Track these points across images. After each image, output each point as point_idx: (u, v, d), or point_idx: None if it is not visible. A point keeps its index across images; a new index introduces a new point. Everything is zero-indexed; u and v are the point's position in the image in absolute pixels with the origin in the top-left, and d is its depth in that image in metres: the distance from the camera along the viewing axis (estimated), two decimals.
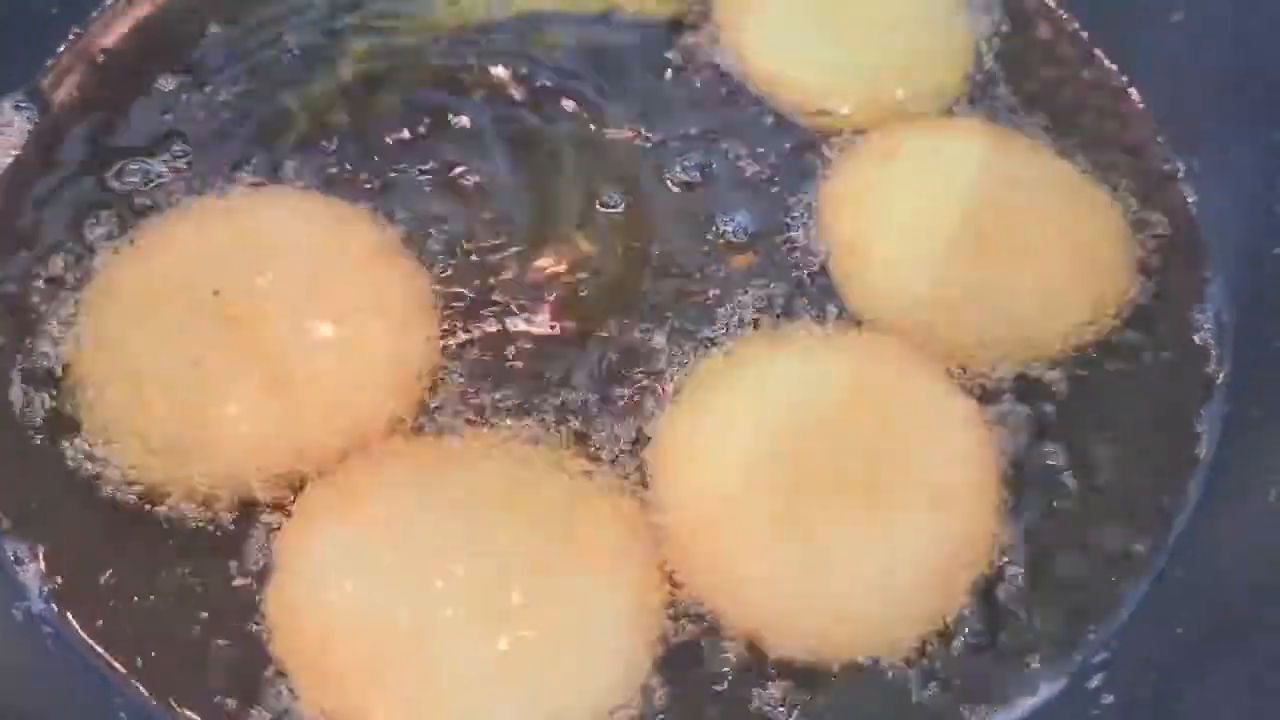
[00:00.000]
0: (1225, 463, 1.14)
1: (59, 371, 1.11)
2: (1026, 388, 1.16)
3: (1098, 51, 1.40)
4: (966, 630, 1.04)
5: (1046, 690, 1.04)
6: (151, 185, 1.23)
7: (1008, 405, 1.15)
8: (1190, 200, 1.30)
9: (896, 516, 1.04)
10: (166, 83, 1.31)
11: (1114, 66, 1.39)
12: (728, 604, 1.03)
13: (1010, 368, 1.17)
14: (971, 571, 1.06)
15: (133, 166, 1.24)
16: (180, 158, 1.25)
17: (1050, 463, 1.13)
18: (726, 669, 1.02)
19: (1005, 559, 1.07)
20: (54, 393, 1.10)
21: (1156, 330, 1.21)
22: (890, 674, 1.02)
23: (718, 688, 1.01)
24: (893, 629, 1.03)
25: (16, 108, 1.28)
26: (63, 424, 1.09)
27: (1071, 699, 1.02)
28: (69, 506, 1.06)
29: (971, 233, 1.19)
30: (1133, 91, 1.37)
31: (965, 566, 1.06)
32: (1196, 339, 1.22)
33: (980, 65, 1.37)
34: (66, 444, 1.08)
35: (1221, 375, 1.20)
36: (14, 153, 1.26)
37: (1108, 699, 1.00)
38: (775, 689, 1.01)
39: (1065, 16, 1.42)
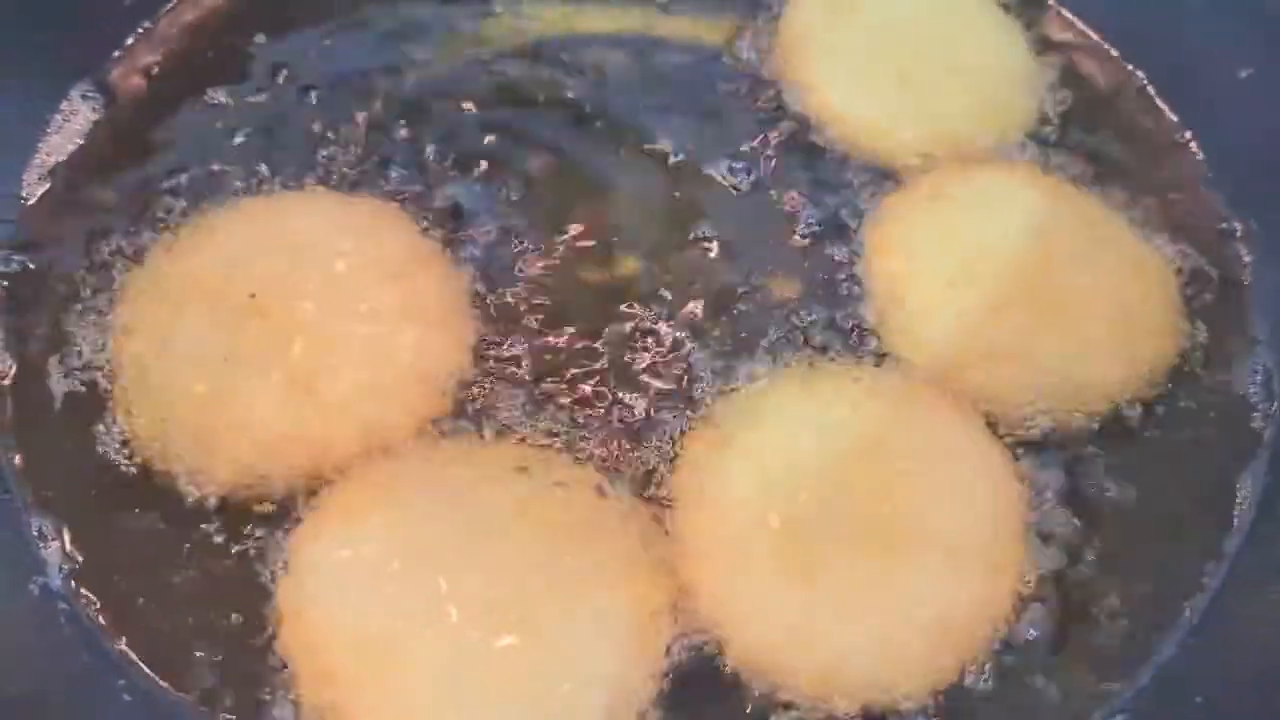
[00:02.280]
0: (1263, 527, 1.11)
1: (98, 358, 1.13)
2: (1062, 442, 1.14)
3: (1161, 105, 1.37)
4: (980, 686, 1.02)
5: None
6: (204, 184, 1.25)
7: (1041, 459, 1.13)
8: (1245, 260, 1.27)
9: (915, 567, 1.02)
10: (227, 83, 1.34)
11: (1177, 119, 1.36)
12: (734, 639, 1.02)
13: (1047, 421, 1.14)
14: (988, 628, 1.04)
15: (188, 163, 1.27)
16: (233, 158, 1.27)
17: (1080, 520, 1.11)
18: (727, 705, 1.00)
19: (1025, 617, 1.05)
20: (91, 378, 1.12)
21: (1200, 389, 1.19)
22: None
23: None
24: (902, 681, 1.01)
25: (84, 97, 1.31)
26: (98, 409, 1.11)
27: None
28: (97, 489, 1.08)
29: (1016, 281, 1.17)
30: (1194, 147, 1.35)
31: (982, 622, 1.03)
32: (1242, 399, 1.19)
33: (1042, 114, 1.35)
34: (100, 428, 1.10)
35: (1266, 436, 1.17)
36: (78, 141, 1.29)
37: None
38: None
39: (1131, 68, 1.40)
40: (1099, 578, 1.08)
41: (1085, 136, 1.34)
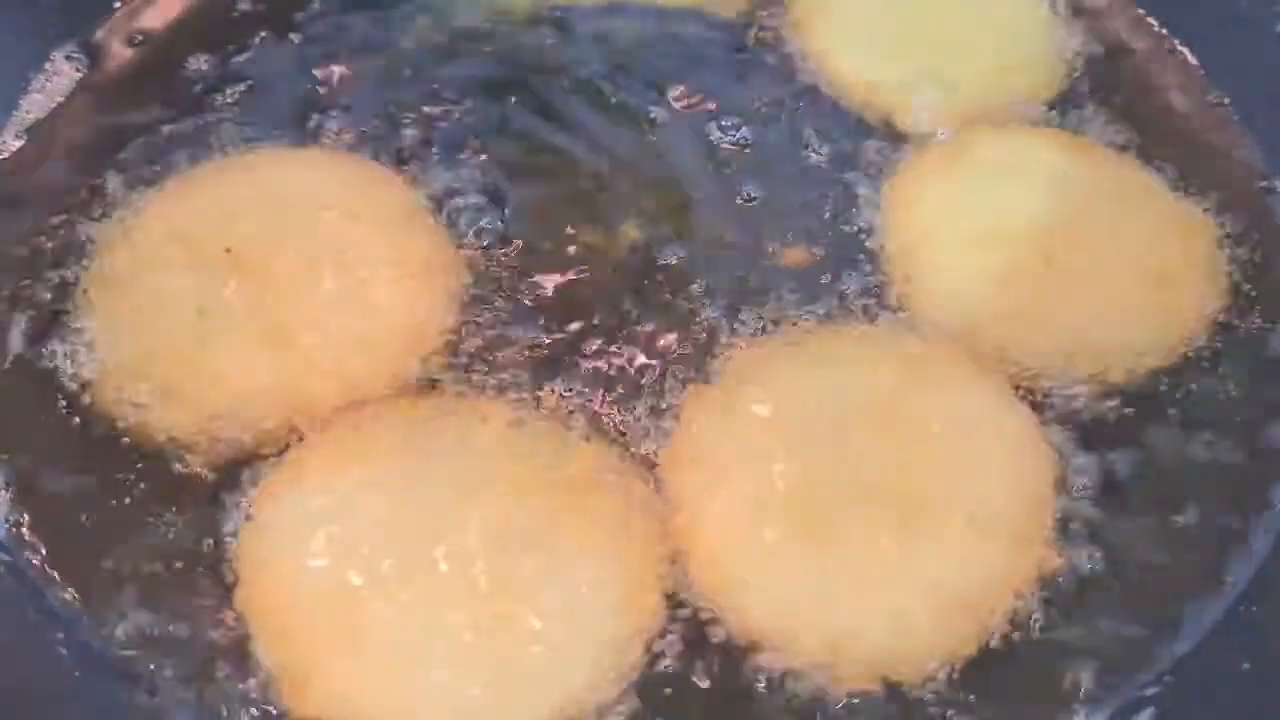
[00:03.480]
0: None
1: (61, 311, 1.07)
2: (1095, 405, 1.06)
3: (1194, 63, 1.30)
4: (997, 658, 0.93)
5: None
6: (186, 144, 1.20)
7: (1071, 422, 1.04)
8: None
9: (932, 534, 0.93)
10: (220, 44, 1.29)
11: (1210, 80, 1.29)
12: (732, 608, 0.93)
13: (1077, 384, 1.06)
14: (1010, 597, 0.94)
15: (170, 124, 1.22)
16: (223, 117, 1.23)
17: (1112, 488, 1.02)
18: (723, 675, 0.92)
19: (1052, 584, 0.96)
20: (55, 332, 1.06)
21: (1239, 354, 1.10)
22: (909, 700, 0.91)
23: (710, 700, 0.91)
24: (915, 654, 0.92)
25: (68, 58, 1.27)
26: (60, 360, 1.05)
27: None
28: (52, 437, 1.01)
29: (1043, 243, 1.10)
30: (1228, 104, 1.27)
31: (1005, 592, 0.94)
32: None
33: (1069, 76, 1.29)
34: (64, 376, 1.04)
35: None
36: (59, 99, 1.24)
37: None
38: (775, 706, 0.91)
39: (1161, 29, 1.33)
40: (1132, 544, 0.99)
41: (1114, 98, 1.26)
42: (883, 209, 1.17)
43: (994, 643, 0.93)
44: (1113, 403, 1.06)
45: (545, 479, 0.96)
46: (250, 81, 1.26)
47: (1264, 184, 1.22)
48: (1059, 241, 1.10)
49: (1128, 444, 1.04)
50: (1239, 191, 1.20)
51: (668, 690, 0.91)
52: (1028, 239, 1.11)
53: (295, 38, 1.31)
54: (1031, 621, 0.94)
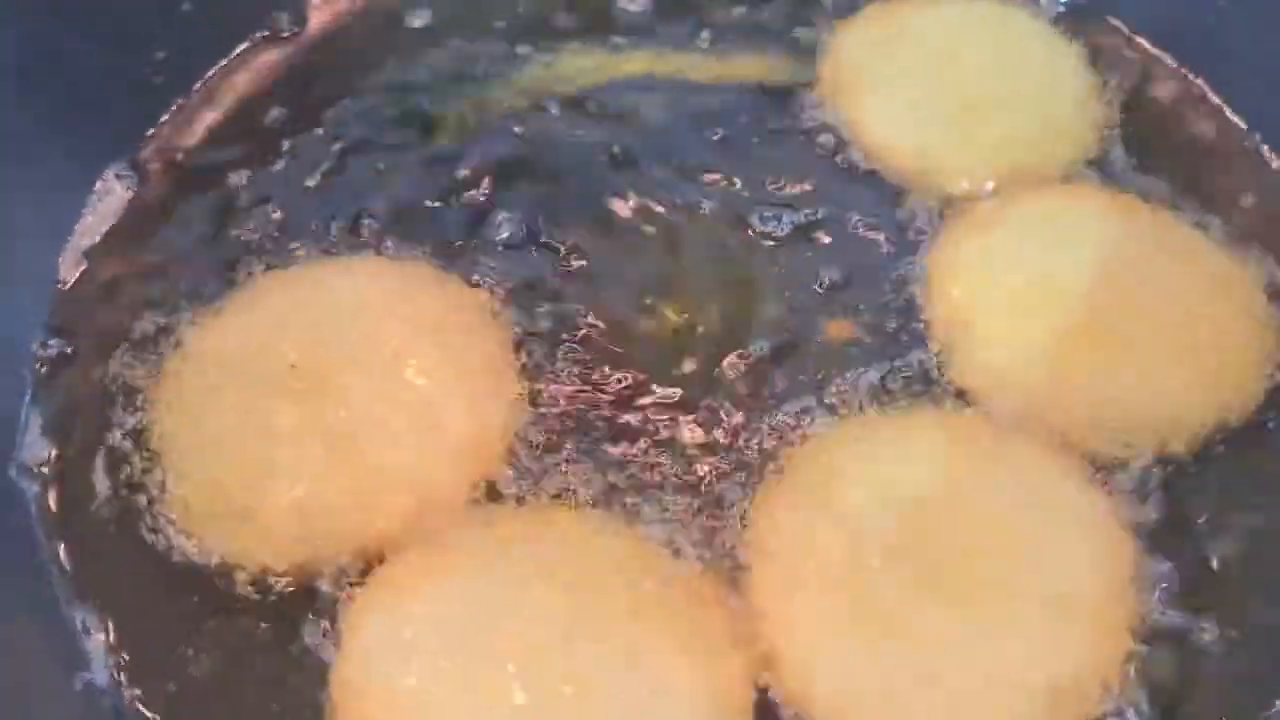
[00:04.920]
0: None
1: (139, 441, 1.09)
2: (1160, 474, 1.06)
3: (1227, 111, 1.31)
4: None
5: None
6: (240, 256, 1.22)
7: (1139, 495, 1.05)
8: None
9: (1015, 623, 0.94)
10: (258, 153, 1.31)
11: (1245, 126, 1.30)
12: (823, 710, 0.94)
13: (1139, 453, 1.06)
14: (1099, 687, 0.94)
15: (224, 237, 1.24)
16: (270, 231, 1.25)
17: (1188, 565, 1.02)
18: None
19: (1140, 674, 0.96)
20: (133, 462, 1.08)
21: None
22: None
23: None
24: None
25: (118, 176, 1.29)
26: (141, 493, 1.07)
27: None
28: (141, 577, 1.04)
29: (1091, 306, 1.11)
30: (1266, 151, 1.28)
31: (1093, 681, 0.94)
32: None
33: (1105, 134, 1.29)
34: (143, 513, 1.06)
35: None
36: (111, 220, 1.26)
37: None
38: None
39: (1191, 76, 1.34)
40: (1217, 626, 0.99)
41: (1152, 153, 1.27)
42: (927, 279, 1.18)
43: None
44: (1178, 469, 1.06)
45: (625, 590, 0.97)
46: (290, 191, 1.28)
47: None
48: (1108, 305, 1.11)
49: (1196, 510, 1.05)
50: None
51: None
52: (1076, 304, 1.11)
53: (326, 137, 1.33)
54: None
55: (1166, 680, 0.96)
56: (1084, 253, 1.14)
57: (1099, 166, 1.26)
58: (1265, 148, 1.29)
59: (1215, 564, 1.03)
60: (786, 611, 0.97)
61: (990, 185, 1.24)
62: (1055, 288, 1.13)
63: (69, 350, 1.17)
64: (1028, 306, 1.13)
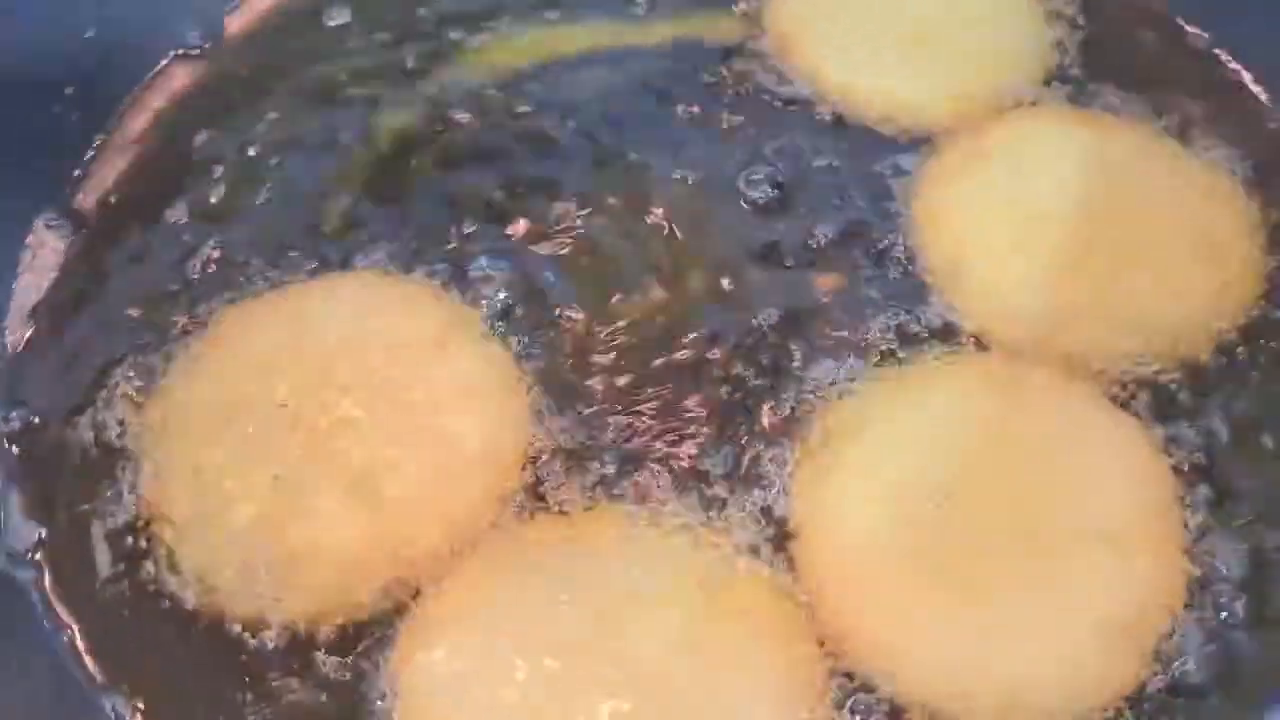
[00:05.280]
0: None
1: (132, 505, 1.02)
2: (1177, 389, 1.06)
3: (1180, 20, 1.31)
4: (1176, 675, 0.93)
5: None
6: (199, 292, 1.15)
7: (1165, 415, 1.05)
8: None
9: (1077, 563, 0.94)
10: (191, 185, 1.23)
11: (1201, 32, 1.30)
12: (899, 678, 0.93)
13: (1154, 368, 1.06)
14: (1167, 616, 0.94)
15: (176, 275, 1.16)
16: (222, 261, 1.17)
17: (1226, 471, 1.02)
18: None
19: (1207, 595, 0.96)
20: (133, 528, 1.02)
21: None
22: None
23: None
24: (1089, 690, 0.92)
25: (49, 226, 1.20)
26: (146, 560, 1.00)
27: None
28: (166, 650, 0.97)
29: (1084, 226, 1.10)
30: (1223, 55, 1.28)
31: (1160, 611, 0.94)
32: None
33: (1061, 50, 1.28)
34: (153, 583, 0.99)
35: None
36: (52, 274, 1.18)
37: None
38: None
39: None
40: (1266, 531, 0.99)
41: (1111, 65, 1.26)
42: (914, 222, 1.16)
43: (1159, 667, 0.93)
44: (1193, 379, 1.07)
45: (676, 585, 0.94)
46: (233, 216, 1.21)
47: (1274, 125, 1.23)
48: (1101, 223, 1.11)
49: (1220, 417, 1.05)
50: (1253, 136, 1.22)
51: None
52: (1069, 227, 1.11)
53: (260, 154, 1.25)
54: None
55: (1226, 593, 0.96)
56: (1067, 173, 1.14)
57: (1057, 84, 1.25)
58: (1218, 48, 1.29)
59: (1249, 470, 1.03)
60: (845, 579, 0.96)
61: (957, 116, 1.22)
62: (1046, 213, 1.12)
63: (34, 420, 1.09)
64: (1022, 236, 1.12)
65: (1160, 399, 1.05)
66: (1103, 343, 1.07)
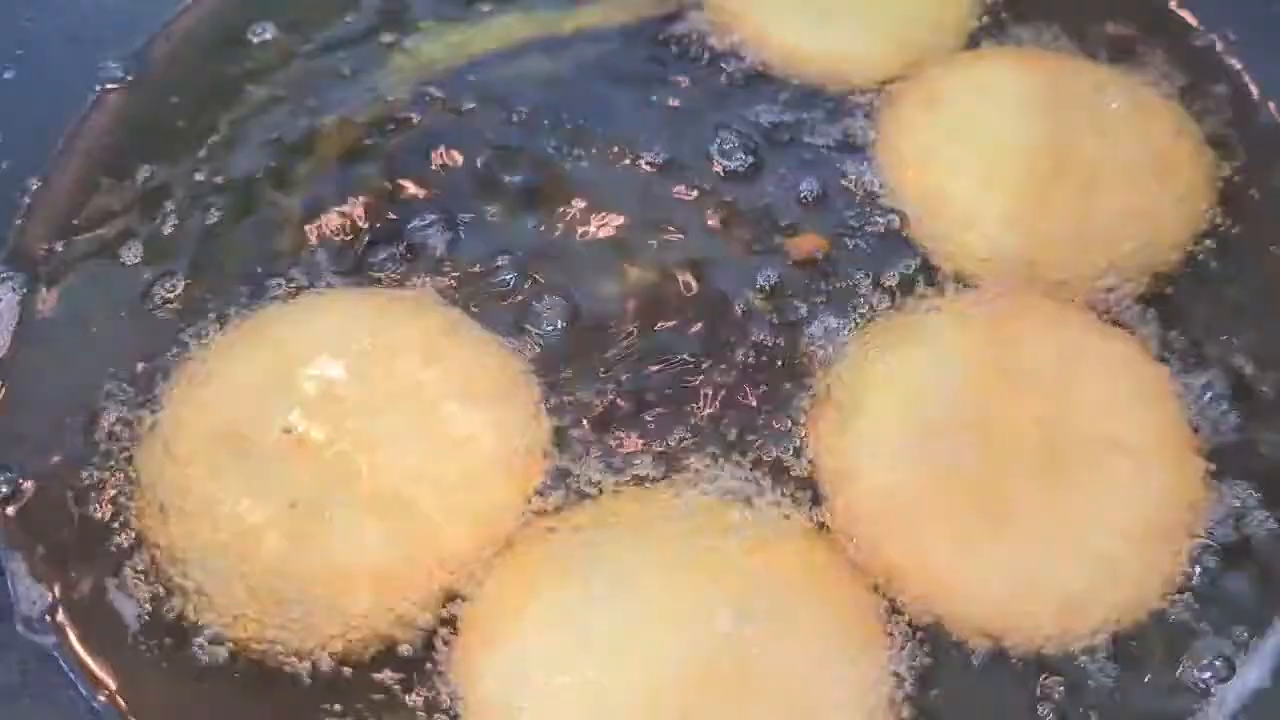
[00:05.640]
0: None
1: (152, 557, 0.99)
2: (1148, 306, 1.10)
3: None
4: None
5: None
6: (171, 328, 1.11)
7: (1151, 327, 1.09)
8: (1238, 67, 1.26)
9: (1103, 477, 0.97)
10: (149, 221, 1.19)
11: None
12: (952, 610, 0.95)
13: (1132, 287, 1.10)
14: (1193, 516, 0.98)
15: (143, 312, 1.13)
16: (190, 290, 1.14)
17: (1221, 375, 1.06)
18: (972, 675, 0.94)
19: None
20: (151, 577, 0.98)
21: (1254, 201, 1.17)
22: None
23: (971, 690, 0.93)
24: (1132, 595, 0.95)
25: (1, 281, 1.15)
26: (175, 609, 0.97)
27: None
28: (210, 694, 0.94)
29: (1042, 160, 1.14)
30: None
31: (1186, 512, 0.98)
32: None
33: None
34: (187, 630, 0.96)
35: None
36: (11, 328, 1.13)
37: None
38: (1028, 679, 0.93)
39: None
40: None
41: (1040, 3, 1.30)
42: (883, 172, 1.18)
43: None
44: (1168, 290, 1.11)
45: (724, 553, 0.95)
46: (192, 249, 1.17)
47: (1199, 43, 1.28)
48: (1063, 153, 1.15)
49: (1202, 324, 1.09)
50: (1185, 56, 1.27)
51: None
52: (1027, 162, 1.14)
53: (207, 182, 1.22)
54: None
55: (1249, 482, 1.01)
56: (1019, 110, 1.18)
57: (992, 26, 1.29)
58: None
59: (1247, 366, 1.07)
60: (882, 521, 0.98)
61: (902, 66, 1.25)
62: (1005, 150, 1.16)
63: (21, 481, 1.04)
64: (987, 175, 1.15)
65: (1141, 309, 1.09)
66: (1078, 265, 1.11)
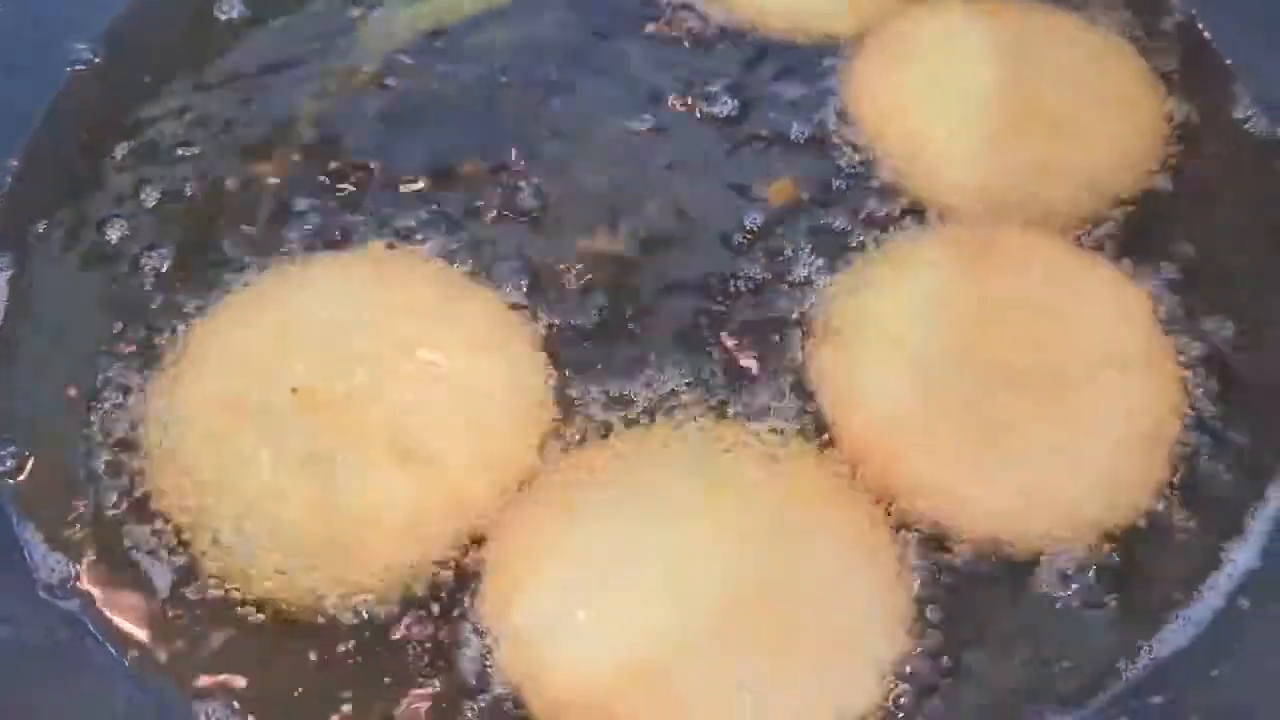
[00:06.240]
0: None
1: (171, 521, 0.99)
2: (1118, 232, 1.14)
3: None
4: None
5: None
6: (164, 300, 1.12)
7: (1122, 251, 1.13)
8: (1183, 11, 1.31)
9: (1096, 389, 1.02)
10: (130, 192, 1.20)
11: None
12: (963, 526, 0.98)
13: (1092, 214, 1.15)
14: (1179, 425, 1.03)
15: (135, 285, 1.13)
16: (178, 263, 1.15)
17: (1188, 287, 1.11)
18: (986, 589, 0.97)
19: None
20: (175, 545, 0.99)
21: (1206, 140, 1.22)
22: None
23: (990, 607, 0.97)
24: (1124, 499, 1.00)
25: None
26: (200, 570, 0.98)
27: None
28: (245, 650, 0.95)
29: (1009, 101, 1.18)
30: None
31: (1169, 414, 1.03)
32: (1249, 129, 1.23)
33: None
34: (214, 590, 0.97)
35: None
36: (2, 306, 1.12)
37: None
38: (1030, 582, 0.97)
39: None
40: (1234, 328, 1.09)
41: None
42: (857, 121, 1.22)
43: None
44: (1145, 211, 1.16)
45: (740, 485, 0.98)
46: (177, 226, 1.18)
47: None
48: (1021, 96, 1.19)
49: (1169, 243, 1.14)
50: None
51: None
52: (995, 104, 1.19)
53: (182, 158, 1.22)
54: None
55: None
56: (984, 54, 1.22)
57: None
58: None
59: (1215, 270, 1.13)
60: (887, 443, 1.01)
61: (867, 17, 1.29)
62: (973, 93, 1.20)
63: (26, 454, 1.04)
64: (958, 117, 1.19)
65: (1111, 236, 1.14)
66: (1049, 197, 1.15)
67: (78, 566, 0.98)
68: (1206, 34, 1.29)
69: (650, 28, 1.30)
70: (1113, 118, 1.20)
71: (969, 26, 1.25)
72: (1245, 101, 1.24)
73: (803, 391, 1.05)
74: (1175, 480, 1.00)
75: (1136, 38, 1.28)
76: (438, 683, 0.93)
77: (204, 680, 0.93)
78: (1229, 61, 1.27)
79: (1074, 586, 0.96)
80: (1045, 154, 1.17)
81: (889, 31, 1.27)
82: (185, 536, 0.99)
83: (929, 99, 1.21)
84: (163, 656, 0.94)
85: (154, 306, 1.11)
